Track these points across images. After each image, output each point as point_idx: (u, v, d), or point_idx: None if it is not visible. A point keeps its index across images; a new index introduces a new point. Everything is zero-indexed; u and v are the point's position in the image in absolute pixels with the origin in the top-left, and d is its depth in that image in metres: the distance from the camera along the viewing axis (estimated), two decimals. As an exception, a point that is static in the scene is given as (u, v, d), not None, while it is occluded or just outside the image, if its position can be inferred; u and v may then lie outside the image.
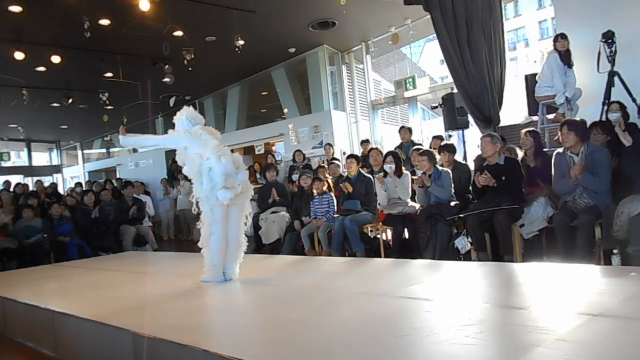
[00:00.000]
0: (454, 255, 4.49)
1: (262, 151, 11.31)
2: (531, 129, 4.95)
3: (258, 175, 8.81)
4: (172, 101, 11.51)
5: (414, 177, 5.03)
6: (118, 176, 14.38)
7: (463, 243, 4.44)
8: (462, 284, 2.96)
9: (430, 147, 5.84)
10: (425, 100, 10.65)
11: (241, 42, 7.83)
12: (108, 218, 7.63)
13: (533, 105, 5.99)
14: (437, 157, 5.06)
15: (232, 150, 3.76)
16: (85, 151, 17.90)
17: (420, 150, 5.13)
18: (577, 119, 4.28)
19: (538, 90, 5.75)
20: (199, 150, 3.45)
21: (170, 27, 7.52)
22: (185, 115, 3.68)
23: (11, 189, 9.57)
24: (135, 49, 8.57)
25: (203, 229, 3.50)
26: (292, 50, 10.01)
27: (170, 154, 14.20)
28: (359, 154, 7.47)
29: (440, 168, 4.86)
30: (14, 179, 12.28)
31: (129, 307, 3.03)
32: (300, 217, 6.04)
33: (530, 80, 6.06)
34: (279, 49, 9.88)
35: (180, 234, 11.27)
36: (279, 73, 11.05)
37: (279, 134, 10.95)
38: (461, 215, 4.45)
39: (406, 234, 5.05)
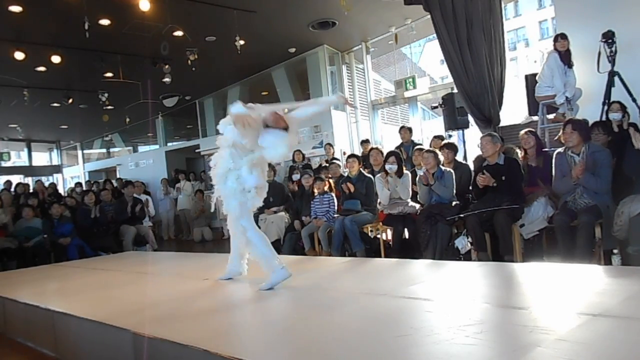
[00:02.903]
0: (454, 255, 4.48)
1: (263, 151, 11.29)
2: (529, 129, 4.93)
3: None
4: (171, 101, 11.51)
5: (420, 175, 5.00)
6: (118, 176, 14.38)
7: (463, 243, 4.44)
8: (462, 284, 2.96)
9: (431, 147, 5.84)
10: (425, 100, 10.66)
11: (241, 42, 7.83)
12: (108, 218, 7.63)
13: (533, 105, 5.99)
14: (441, 157, 5.06)
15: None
16: (85, 151, 17.90)
17: (425, 149, 5.14)
18: (579, 118, 4.28)
19: (538, 90, 5.75)
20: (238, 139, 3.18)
21: (170, 27, 7.53)
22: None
23: (12, 189, 9.57)
24: (135, 49, 8.57)
25: (232, 227, 3.36)
26: (292, 50, 10.01)
27: (170, 155, 14.32)
28: (359, 154, 7.46)
29: (443, 168, 4.85)
30: (14, 179, 12.27)
31: (129, 307, 3.02)
32: (300, 217, 6.04)
33: (530, 80, 6.05)
34: (279, 49, 9.87)
35: (181, 234, 11.28)
36: (279, 73, 11.04)
37: (279, 134, 10.92)
38: (461, 215, 4.45)
39: (406, 234, 5.05)
